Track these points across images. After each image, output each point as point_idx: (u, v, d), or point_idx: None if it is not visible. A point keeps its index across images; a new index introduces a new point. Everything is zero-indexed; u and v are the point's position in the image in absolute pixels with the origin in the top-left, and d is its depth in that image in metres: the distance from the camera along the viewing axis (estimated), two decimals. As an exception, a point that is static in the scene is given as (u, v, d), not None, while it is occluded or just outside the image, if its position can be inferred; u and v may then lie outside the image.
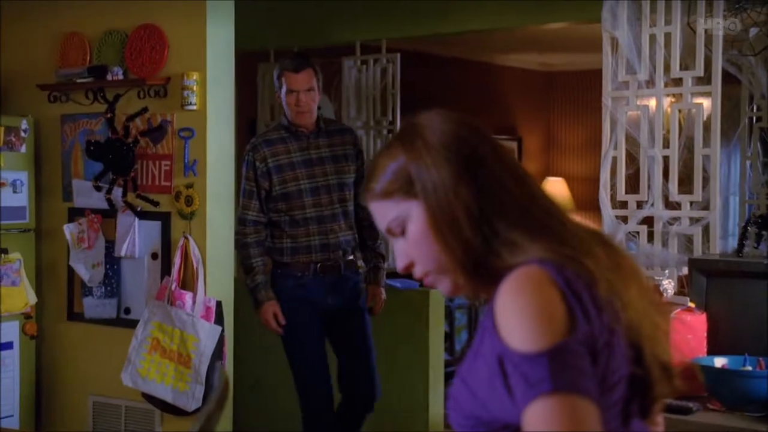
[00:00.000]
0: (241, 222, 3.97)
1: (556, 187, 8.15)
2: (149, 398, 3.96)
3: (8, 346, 4.27)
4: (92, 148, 4.05)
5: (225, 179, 4.01)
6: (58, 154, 4.34)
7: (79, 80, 4.13)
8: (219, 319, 3.90)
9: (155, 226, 4.05)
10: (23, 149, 4.27)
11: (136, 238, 4.08)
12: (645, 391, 1.35)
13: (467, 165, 1.36)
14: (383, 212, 1.41)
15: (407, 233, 1.39)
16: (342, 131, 4.11)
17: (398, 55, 5.20)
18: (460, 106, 7.01)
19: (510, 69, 8.27)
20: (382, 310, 4.11)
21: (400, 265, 1.42)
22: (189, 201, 3.97)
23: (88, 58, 4.22)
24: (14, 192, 4.23)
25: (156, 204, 4.01)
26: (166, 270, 4.01)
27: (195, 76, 3.91)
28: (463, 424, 1.34)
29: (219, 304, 3.91)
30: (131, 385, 3.96)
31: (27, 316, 4.32)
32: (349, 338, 4.04)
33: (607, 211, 3.41)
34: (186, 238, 3.94)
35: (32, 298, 4.31)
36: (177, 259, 3.94)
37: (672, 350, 1.41)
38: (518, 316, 1.24)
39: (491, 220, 1.34)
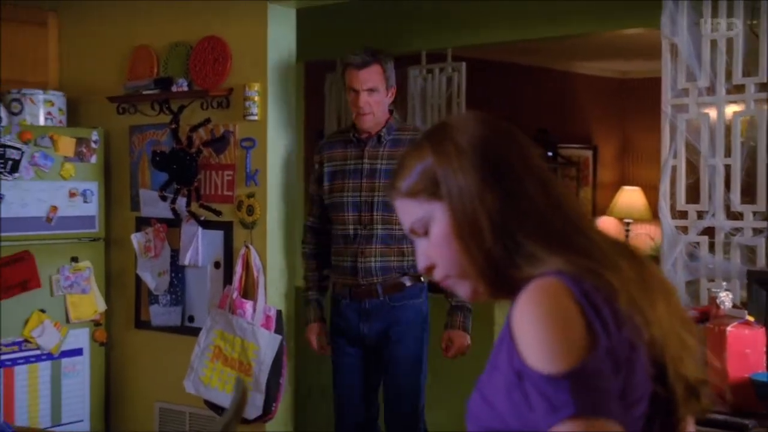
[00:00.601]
0: (303, 229, 3.80)
1: (632, 197, 8.00)
2: (211, 405, 4.01)
3: (78, 352, 4.38)
4: (157, 158, 4.13)
5: (285, 189, 4.05)
6: (126, 164, 4.44)
7: (145, 92, 4.22)
8: (279, 328, 3.93)
9: (218, 235, 4.11)
10: (94, 160, 4.37)
11: (200, 247, 4.14)
12: (668, 410, 1.32)
13: (494, 172, 1.34)
14: (407, 211, 1.40)
15: (430, 234, 1.38)
16: (411, 141, 3.39)
17: (463, 63, 5.18)
18: (531, 114, 6.99)
19: (584, 76, 8.17)
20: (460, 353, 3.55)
21: (420, 265, 1.41)
22: (250, 210, 4.01)
23: (156, 70, 4.31)
24: (85, 202, 4.34)
25: (218, 213, 4.07)
26: (228, 279, 4.06)
27: (256, 86, 3.96)
28: None
29: (279, 313, 3.94)
30: (194, 392, 4.02)
31: (96, 324, 4.42)
32: (391, 375, 3.59)
33: (667, 221, 3.32)
34: (247, 247, 3.99)
35: (101, 306, 4.41)
36: (238, 268, 3.98)
37: (701, 367, 1.37)
38: (536, 332, 1.22)
39: (513, 230, 1.32)
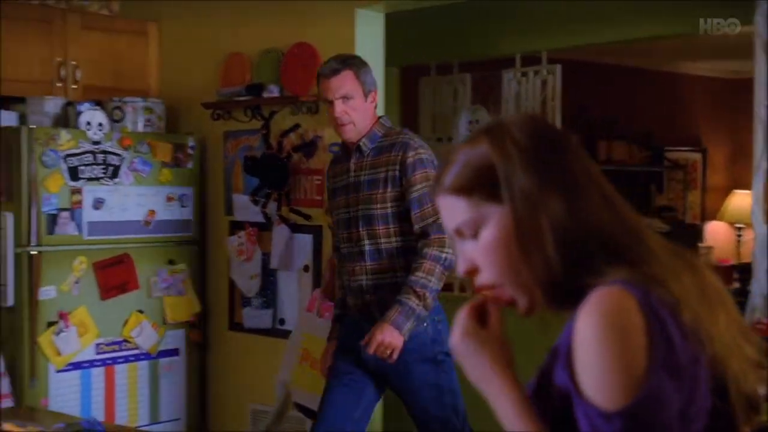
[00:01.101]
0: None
1: (744, 201, 7.73)
2: (300, 407, 4.06)
3: (175, 352, 4.49)
4: (249, 163, 4.21)
5: (373, 193, 4.05)
6: (221, 169, 4.54)
7: (237, 98, 4.30)
8: (366, 332, 3.94)
9: (307, 239, 4.16)
10: (190, 165, 4.49)
11: (290, 250, 4.20)
12: (727, 424, 1.26)
13: (556, 176, 1.27)
14: (455, 210, 1.31)
15: (480, 238, 1.29)
16: (392, 146, 3.21)
17: (558, 66, 5.10)
18: (632, 117, 6.80)
19: (692, 77, 7.93)
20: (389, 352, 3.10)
21: (461, 269, 1.33)
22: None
23: (248, 76, 4.39)
24: (181, 206, 4.46)
25: (308, 218, 4.12)
26: (317, 282, 4.10)
27: (344, 92, 3.98)
28: None
29: (366, 317, 3.95)
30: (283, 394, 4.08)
31: (192, 325, 4.53)
32: (404, 399, 3.28)
33: (761, 227, 3.20)
34: (335, 251, 4.02)
35: (197, 308, 4.52)
36: (326, 272, 4.02)
37: (763, 380, 1.31)
38: (594, 356, 1.15)
39: (575, 237, 1.25)
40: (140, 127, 4.44)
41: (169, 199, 4.41)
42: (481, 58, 5.48)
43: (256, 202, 4.25)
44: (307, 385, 4.02)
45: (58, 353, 4.08)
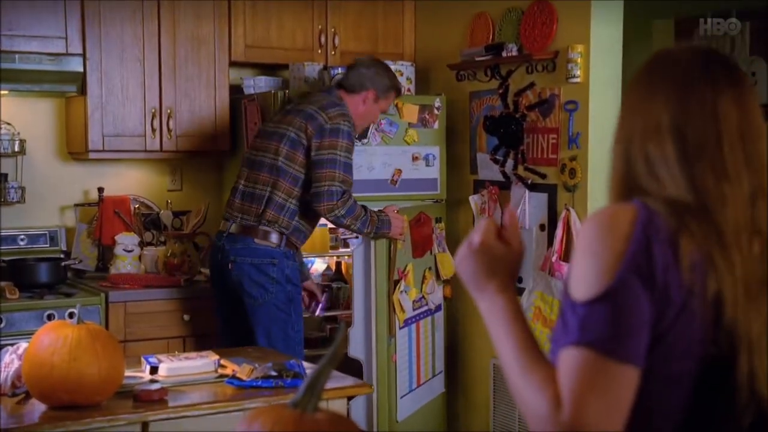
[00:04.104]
0: (338, 195, 3.88)
1: None
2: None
3: (438, 308, 4.65)
4: (488, 123, 4.25)
5: (606, 152, 3.95)
6: (466, 129, 4.62)
7: (477, 58, 4.35)
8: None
9: (543, 197, 4.15)
10: (436, 126, 4.61)
11: (527, 209, 4.21)
12: (726, 400, 1.26)
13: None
14: None
15: None
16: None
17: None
18: None
19: None
20: None
21: None
22: (572, 173, 4.00)
23: (491, 36, 4.42)
24: (427, 165, 4.60)
25: (543, 176, 4.10)
26: (551, 241, 4.08)
27: (579, 48, 3.92)
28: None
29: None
30: (515, 351, 4.11)
31: (445, 281, 4.66)
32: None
33: None
34: (568, 210, 3.98)
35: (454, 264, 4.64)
36: (559, 231, 3.99)
37: None
38: (576, 251, 1.28)
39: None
40: (391, 89, 4.61)
41: (415, 158, 4.56)
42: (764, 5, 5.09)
43: (495, 161, 4.29)
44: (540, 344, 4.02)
45: (403, 310, 4.33)
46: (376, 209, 4.10)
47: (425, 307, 4.51)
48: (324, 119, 3.87)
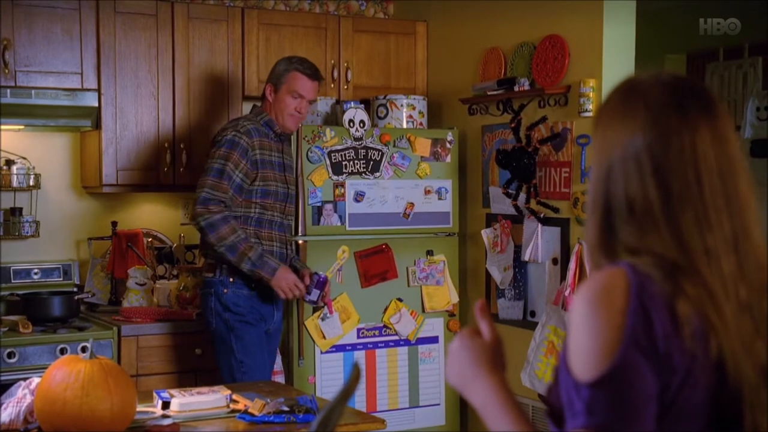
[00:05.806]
0: (203, 201, 3.72)
1: None
2: (544, 399, 4.05)
3: (434, 340, 4.65)
4: (500, 156, 4.26)
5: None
6: (479, 163, 4.63)
7: (490, 92, 4.37)
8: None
9: (555, 231, 4.15)
10: (448, 159, 4.62)
11: (539, 243, 4.20)
12: None
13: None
14: None
15: None
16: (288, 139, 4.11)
17: (759, 58, 4.64)
18: None
19: None
20: None
21: None
22: (585, 207, 3.99)
23: (503, 70, 4.44)
24: (439, 199, 4.61)
25: (556, 210, 4.10)
26: (564, 275, 4.07)
27: (591, 83, 3.93)
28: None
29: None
30: (529, 386, 4.10)
31: (451, 314, 4.66)
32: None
33: None
34: (581, 244, 3.97)
35: (454, 298, 4.65)
36: (572, 265, 3.98)
37: None
38: (574, 330, 1.24)
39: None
40: (403, 124, 4.64)
41: (427, 191, 4.57)
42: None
43: (508, 195, 4.30)
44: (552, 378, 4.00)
45: (323, 336, 4.39)
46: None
47: (388, 337, 4.51)
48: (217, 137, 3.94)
